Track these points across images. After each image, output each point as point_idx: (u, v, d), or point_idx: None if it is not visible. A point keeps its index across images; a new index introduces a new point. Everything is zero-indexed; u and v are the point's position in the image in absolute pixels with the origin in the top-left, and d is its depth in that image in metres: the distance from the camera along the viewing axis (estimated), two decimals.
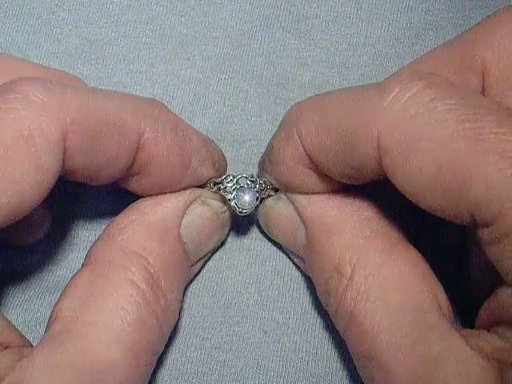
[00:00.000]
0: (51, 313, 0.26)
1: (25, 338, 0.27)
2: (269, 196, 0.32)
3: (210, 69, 0.36)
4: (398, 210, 0.30)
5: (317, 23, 0.37)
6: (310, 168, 0.29)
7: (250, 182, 0.31)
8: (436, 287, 0.26)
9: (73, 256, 0.33)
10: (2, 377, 0.23)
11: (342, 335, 0.28)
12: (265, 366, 0.32)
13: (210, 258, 0.33)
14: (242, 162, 0.35)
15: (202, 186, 0.31)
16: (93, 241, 0.33)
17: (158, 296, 0.27)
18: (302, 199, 0.30)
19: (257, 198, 0.31)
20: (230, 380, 0.31)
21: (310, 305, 0.33)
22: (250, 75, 0.36)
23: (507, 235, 0.22)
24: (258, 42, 0.36)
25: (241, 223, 0.33)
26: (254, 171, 0.34)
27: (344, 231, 0.28)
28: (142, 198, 0.30)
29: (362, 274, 0.26)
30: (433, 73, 0.27)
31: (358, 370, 0.27)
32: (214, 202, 0.31)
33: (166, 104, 0.35)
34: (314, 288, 0.30)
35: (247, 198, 0.31)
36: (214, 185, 0.31)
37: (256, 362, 0.32)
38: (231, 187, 0.31)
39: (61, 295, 0.27)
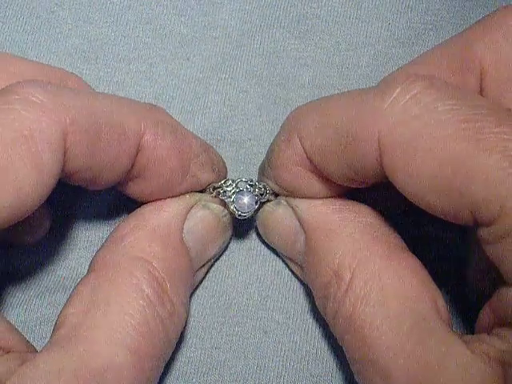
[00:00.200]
0: (56, 321, 0.26)
1: (28, 342, 0.27)
2: (268, 201, 0.31)
3: (209, 69, 0.36)
4: (398, 211, 0.30)
5: (317, 23, 0.37)
6: (310, 171, 0.29)
7: (249, 186, 0.31)
8: (435, 293, 0.26)
9: (73, 256, 0.33)
10: (2, 381, 0.23)
11: (339, 341, 0.27)
12: (265, 366, 0.32)
13: (213, 264, 0.33)
14: (242, 162, 0.35)
15: (201, 191, 0.31)
16: (93, 241, 0.33)
17: (164, 300, 0.27)
18: (301, 204, 0.30)
19: (256, 202, 0.31)
20: (230, 380, 0.31)
21: (310, 305, 0.33)
22: (250, 75, 0.36)
23: (508, 234, 0.22)
24: (258, 42, 0.36)
25: (241, 224, 0.33)
26: (254, 171, 0.34)
27: (344, 236, 0.28)
28: (143, 205, 0.30)
29: (361, 279, 0.26)
30: (431, 74, 0.27)
31: (355, 376, 0.27)
32: (215, 205, 0.31)
33: (165, 104, 0.35)
34: None
35: (246, 200, 0.31)
36: (214, 189, 0.31)
37: (256, 362, 0.32)
38: (230, 191, 0.31)
39: (66, 302, 0.27)
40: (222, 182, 0.31)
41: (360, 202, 0.30)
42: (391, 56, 0.36)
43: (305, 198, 0.30)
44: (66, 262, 0.33)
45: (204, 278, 0.33)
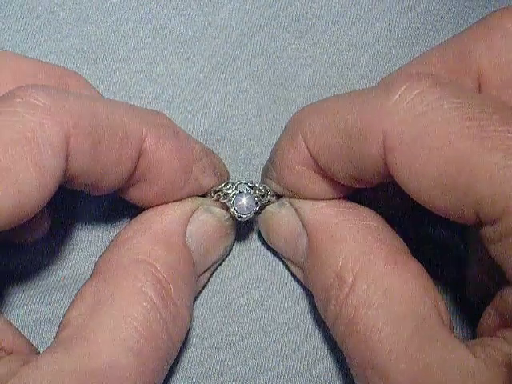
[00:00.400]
0: (60, 323, 0.26)
1: (31, 344, 0.27)
2: (269, 202, 0.31)
3: (209, 68, 0.36)
4: (399, 213, 0.30)
5: (317, 23, 0.37)
6: (314, 171, 0.29)
7: (248, 188, 0.31)
8: (437, 298, 0.26)
9: (73, 256, 0.33)
10: (5, 381, 0.23)
11: (339, 344, 0.27)
12: (265, 366, 0.32)
13: (216, 269, 0.33)
14: (242, 162, 0.35)
15: (203, 196, 0.31)
16: (92, 241, 0.33)
17: (167, 302, 0.27)
18: (305, 205, 0.30)
19: (256, 203, 0.31)
20: (230, 380, 0.31)
21: (310, 305, 0.33)
22: (250, 75, 0.36)
23: None
24: (258, 42, 0.36)
25: (241, 225, 0.33)
26: (254, 171, 0.34)
27: (347, 239, 0.27)
28: (146, 210, 0.30)
29: (364, 282, 0.26)
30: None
31: (354, 379, 0.27)
32: (217, 209, 0.31)
33: (165, 104, 0.35)
34: None
35: (244, 201, 0.31)
36: (215, 193, 0.31)
37: (256, 362, 0.32)
38: (231, 194, 0.31)
39: (69, 305, 0.27)
40: (223, 185, 0.31)
41: (362, 204, 0.30)
42: (391, 56, 0.36)
43: (308, 199, 0.30)
44: (66, 262, 0.33)
45: None
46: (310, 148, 0.28)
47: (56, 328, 0.26)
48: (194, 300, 0.32)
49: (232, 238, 0.33)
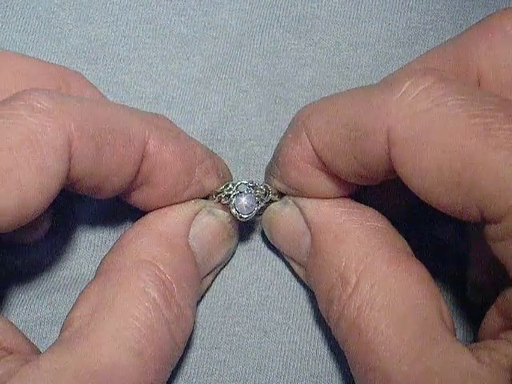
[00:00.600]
0: (62, 324, 0.26)
1: (32, 344, 0.27)
2: (271, 201, 0.31)
3: (209, 68, 0.36)
4: (400, 214, 0.30)
5: (317, 23, 0.37)
6: (318, 168, 0.29)
7: (249, 188, 0.31)
8: (440, 300, 0.26)
9: (73, 256, 0.33)
10: (4, 381, 0.23)
11: (341, 344, 0.27)
12: (265, 366, 0.32)
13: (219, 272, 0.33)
14: (242, 162, 0.35)
15: (206, 198, 0.31)
16: (93, 241, 0.34)
17: (171, 303, 0.27)
18: (309, 204, 0.30)
19: (257, 203, 0.31)
20: (230, 380, 0.32)
21: (310, 305, 0.33)
22: (250, 75, 0.36)
23: None
24: (258, 41, 0.36)
25: (242, 224, 0.33)
26: (254, 171, 0.34)
27: (351, 239, 0.27)
28: (149, 213, 0.30)
29: (367, 283, 0.26)
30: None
31: (355, 381, 0.27)
32: (220, 211, 0.31)
33: (165, 104, 0.35)
34: None
35: (244, 201, 0.31)
36: (216, 195, 0.31)
37: (256, 362, 0.32)
38: (232, 195, 0.31)
39: (72, 306, 0.27)
40: (223, 186, 0.31)
41: (365, 203, 0.30)
42: (391, 56, 0.36)
43: (312, 197, 0.30)
44: (67, 262, 0.33)
45: None
46: (314, 145, 0.28)
47: (56, 328, 0.26)
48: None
49: (235, 241, 0.33)
